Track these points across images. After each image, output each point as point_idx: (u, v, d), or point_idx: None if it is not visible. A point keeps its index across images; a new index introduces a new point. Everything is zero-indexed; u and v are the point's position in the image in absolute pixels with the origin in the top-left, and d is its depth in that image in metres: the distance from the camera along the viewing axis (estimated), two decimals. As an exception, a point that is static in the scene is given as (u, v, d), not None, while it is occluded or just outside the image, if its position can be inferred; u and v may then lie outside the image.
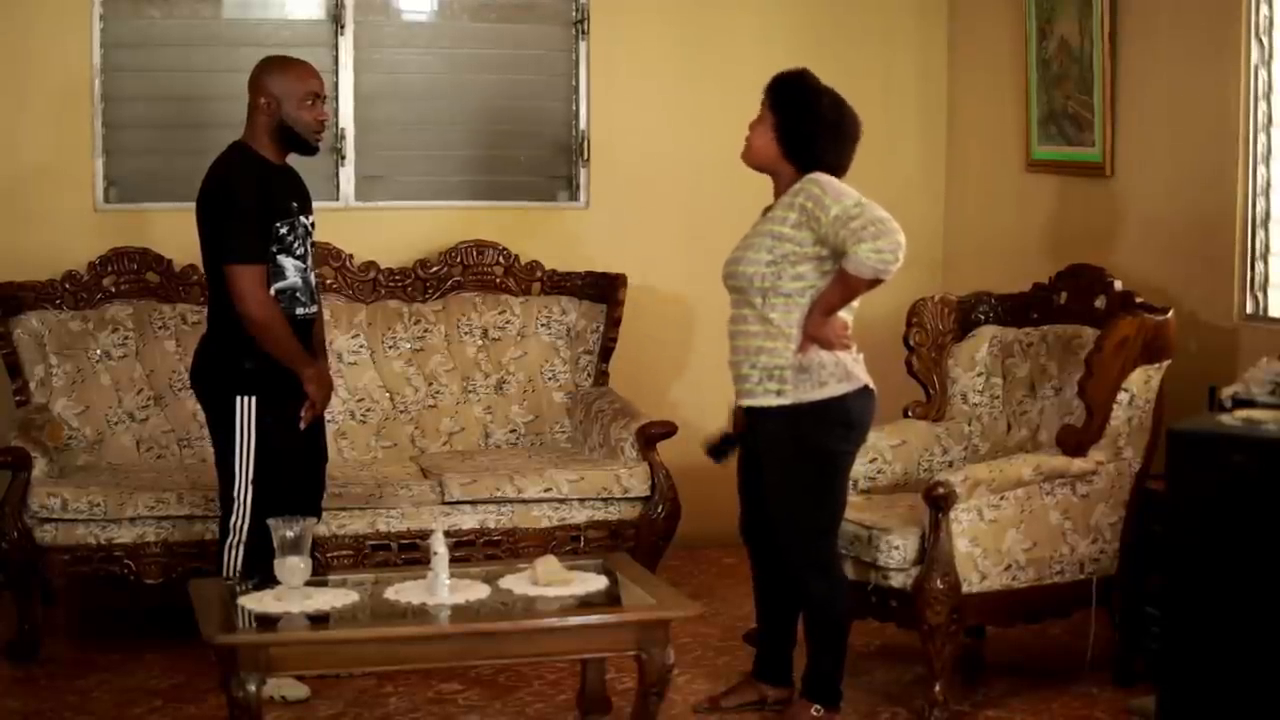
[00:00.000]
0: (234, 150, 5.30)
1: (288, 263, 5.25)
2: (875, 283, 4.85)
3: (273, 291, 5.21)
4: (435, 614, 4.76)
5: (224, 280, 5.21)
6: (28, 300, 6.37)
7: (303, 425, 5.27)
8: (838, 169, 5.02)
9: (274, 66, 5.32)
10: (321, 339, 5.58)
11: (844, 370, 4.96)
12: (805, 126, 4.98)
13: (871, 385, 5.02)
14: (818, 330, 4.90)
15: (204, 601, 4.81)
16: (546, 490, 6.08)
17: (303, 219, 5.31)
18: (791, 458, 4.97)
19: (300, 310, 5.30)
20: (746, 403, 5.03)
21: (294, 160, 5.38)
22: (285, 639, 4.67)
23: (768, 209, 5.08)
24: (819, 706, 5.09)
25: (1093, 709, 5.30)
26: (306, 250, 5.33)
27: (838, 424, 4.98)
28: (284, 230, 5.22)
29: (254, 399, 5.19)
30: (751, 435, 5.10)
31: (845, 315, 4.98)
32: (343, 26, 6.86)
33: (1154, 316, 5.46)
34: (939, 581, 5.10)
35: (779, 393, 4.94)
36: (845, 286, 4.87)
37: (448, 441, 6.62)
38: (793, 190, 4.95)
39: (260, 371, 5.20)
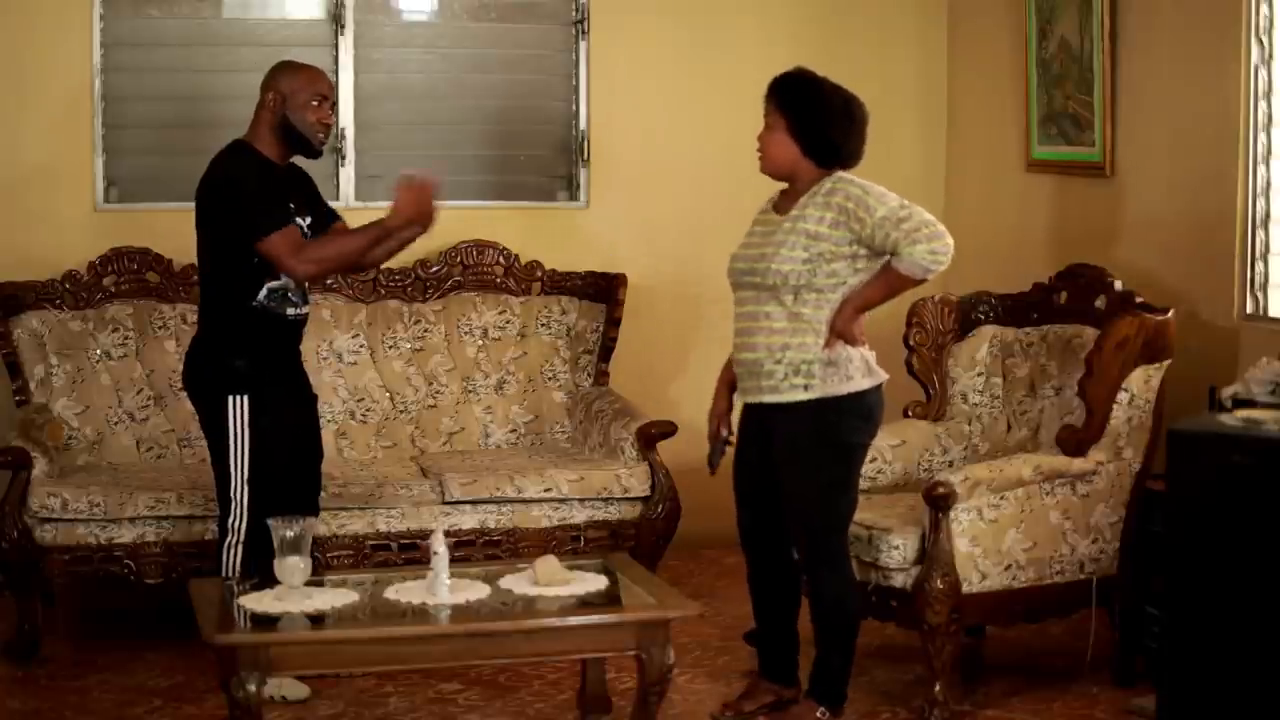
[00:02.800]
0: (234, 147, 5.31)
1: None
2: (918, 283, 4.90)
3: (265, 290, 5.21)
4: (435, 614, 4.76)
5: (216, 279, 5.23)
6: (28, 300, 6.37)
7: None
8: (855, 156, 5.05)
9: (286, 67, 5.36)
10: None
11: (868, 366, 5.00)
12: (819, 119, 4.99)
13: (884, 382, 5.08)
14: (847, 326, 4.91)
15: (204, 601, 4.81)
16: (546, 490, 6.08)
17: (299, 220, 5.31)
18: (813, 450, 4.97)
19: (291, 310, 5.31)
20: (770, 399, 5.00)
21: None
22: (285, 639, 4.67)
23: (776, 206, 5.07)
24: (824, 709, 5.08)
25: (1093, 709, 5.30)
26: (305, 251, 5.34)
27: (859, 417, 5.00)
28: None
29: (247, 398, 5.19)
30: (763, 435, 5.09)
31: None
32: (343, 26, 6.86)
33: (1154, 316, 5.46)
34: (939, 581, 5.11)
35: (806, 387, 4.95)
36: (889, 285, 4.91)
37: (448, 441, 6.62)
38: (825, 190, 4.96)
39: (252, 370, 5.21)
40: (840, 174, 4.98)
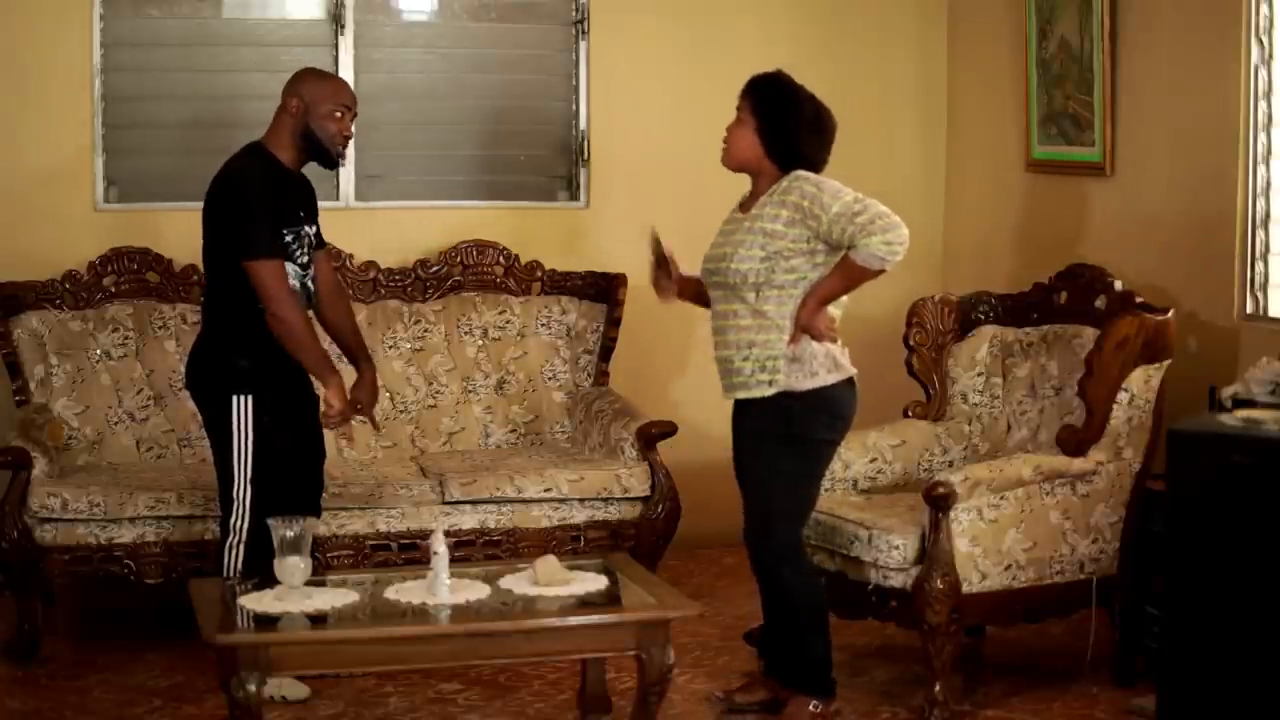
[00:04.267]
0: (250, 150, 5.31)
1: (289, 268, 5.24)
2: (877, 274, 4.90)
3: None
4: (435, 614, 4.76)
5: (222, 279, 5.23)
6: (28, 300, 6.37)
7: (327, 428, 5.30)
8: (819, 165, 5.08)
9: (312, 74, 5.38)
10: (360, 340, 5.59)
11: (833, 361, 5.02)
12: (788, 126, 5.04)
13: (855, 376, 5.07)
14: (810, 320, 4.94)
15: (204, 601, 4.81)
16: (546, 490, 6.08)
17: (307, 228, 5.32)
18: (777, 444, 5.01)
19: (295, 313, 5.32)
20: (740, 395, 5.06)
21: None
22: (285, 639, 4.67)
23: (743, 204, 5.13)
24: (816, 702, 5.10)
25: (1093, 709, 5.30)
26: (309, 259, 5.33)
27: (826, 413, 5.03)
28: (289, 239, 5.23)
29: (250, 397, 5.19)
30: (740, 429, 5.14)
31: (834, 310, 5.02)
32: (343, 26, 6.86)
33: (1154, 316, 5.46)
34: (939, 581, 5.11)
35: (771, 383, 4.98)
36: (848, 277, 4.93)
37: (448, 441, 6.62)
38: (782, 189, 5.01)
39: (256, 369, 5.20)
40: (797, 172, 5.03)
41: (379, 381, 5.60)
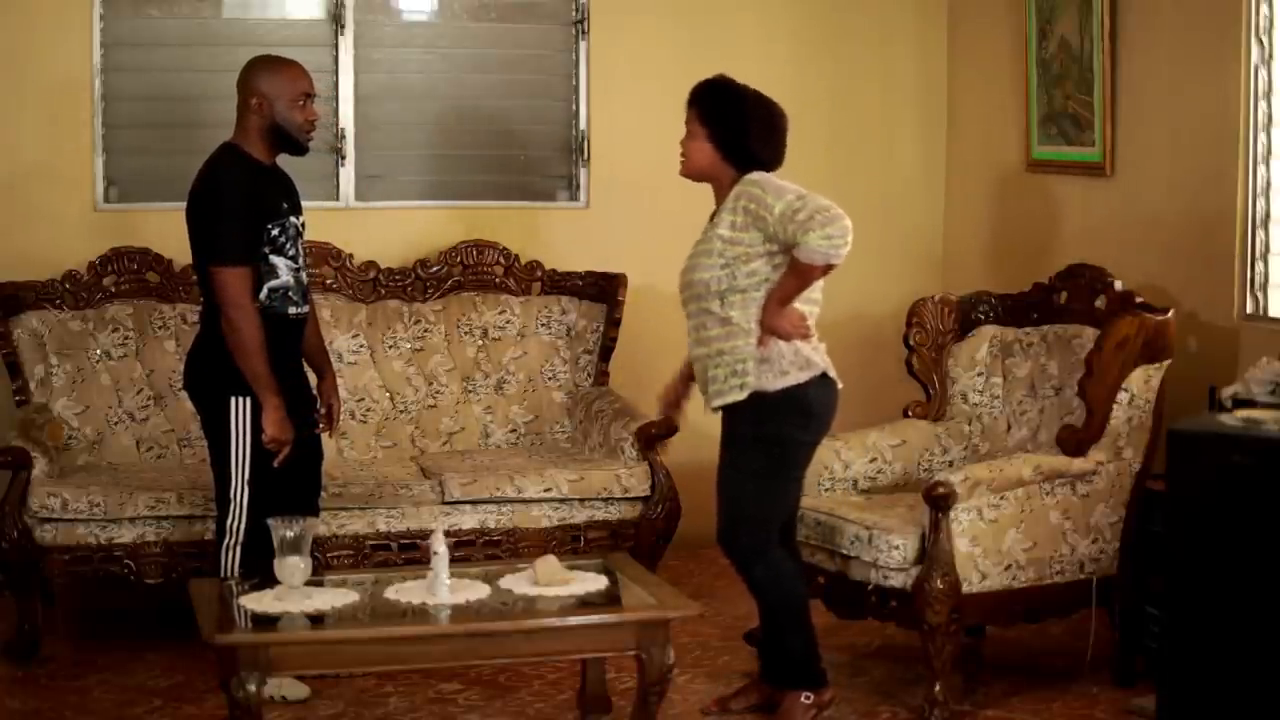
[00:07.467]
0: (224, 151, 5.30)
1: (280, 262, 5.24)
2: (828, 269, 4.91)
3: (266, 290, 5.21)
4: (435, 614, 4.76)
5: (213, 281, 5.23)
6: (28, 300, 6.37)
7: (276, 462, 5.21)
8: (774, 162, 5.09)
9: (265, 67, 5.31)
10: (323, 345, 5.62)
11: (803, 359, 5.01)
12: (739, 127, 5.06)
13: (832, 373, 5.06)
14: (773, 321, 4.95)
15: (204, 601, 4.81)
16: (546, 490, 6.08)
17: (293, 219, 5.31)
18: (748, 443, 5.03)
19: (293, 309, 5.30)
20: (716, 403, 5.08)
21: (285, 160, 5.37)
22: (285, 639, 4.67)
23: (713, 216, 5.13)
24: (807, 693, 5.11)
25: (1093, 709, 5.30)
26: (299, 250, 5.33)
27: (797, 412, 5.02)
28: (275, 232, 5.22)
29: (249, 399, 5.18)
30: (721, 437, 5.15)
31: (805, 307, 5.02)
32: (343, 26, 6.86)
33: (1154, 316, 5.46)
34: (939, 581, 5.11)
35: (743, 385, 5.00)
36: (799, 276, 4.93)
37: (448, 441, 6.62)
38: (733, 195, 5.03)
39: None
40: (747, 175, 5.03)
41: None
